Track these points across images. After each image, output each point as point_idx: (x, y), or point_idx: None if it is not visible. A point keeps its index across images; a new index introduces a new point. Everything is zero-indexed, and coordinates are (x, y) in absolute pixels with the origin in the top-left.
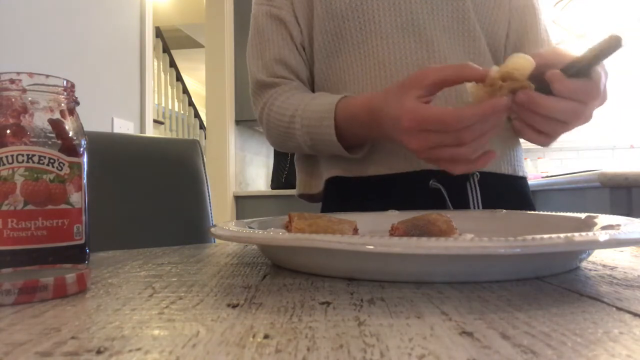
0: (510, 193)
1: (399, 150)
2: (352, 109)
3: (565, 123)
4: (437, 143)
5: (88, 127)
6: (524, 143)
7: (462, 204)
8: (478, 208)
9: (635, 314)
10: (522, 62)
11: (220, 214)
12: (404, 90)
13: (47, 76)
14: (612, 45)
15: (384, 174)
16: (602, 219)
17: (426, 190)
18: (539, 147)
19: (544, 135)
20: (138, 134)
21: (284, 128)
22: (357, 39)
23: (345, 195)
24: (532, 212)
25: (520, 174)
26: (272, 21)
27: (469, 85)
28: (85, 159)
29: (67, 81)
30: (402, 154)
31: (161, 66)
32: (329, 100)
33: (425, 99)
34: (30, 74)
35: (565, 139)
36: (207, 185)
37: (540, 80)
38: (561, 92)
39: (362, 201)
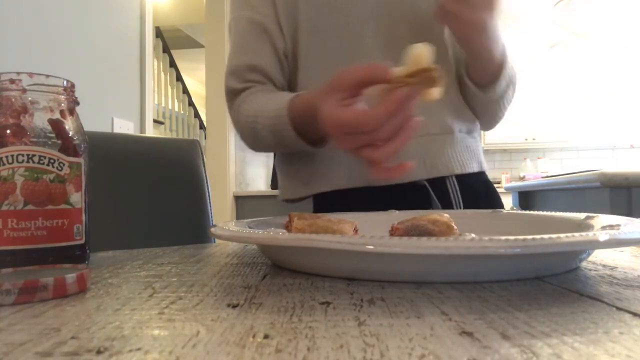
0: (482, 189)
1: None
2: (303, 103)
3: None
4: (359, 144)
5: (88, 127)
6: (522, 144)
7: (444, 202)
8: (459, 207)
9: (635, 314)
10: (419, 53)
11: (220, 214)
12: (328, 94)
13: (47, 76)
14: None
15: (372, 185)
16: (602, 219)
17: (412, 189)
18: (539, 147)
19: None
20: (138, 134)
21: (251, 129)
22: (340, 54)
23: (336, 209)
24: (532, 212)
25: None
26: (253, 28)
27: (372, 92)
28: (85, 159)
29: (67, 81)
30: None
31: (161, 66)
32: (285, 98)
33: (347, 101)
34: (30, 74)
35: (565, 139)
36: (207, 185)
37: None
38: None
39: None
